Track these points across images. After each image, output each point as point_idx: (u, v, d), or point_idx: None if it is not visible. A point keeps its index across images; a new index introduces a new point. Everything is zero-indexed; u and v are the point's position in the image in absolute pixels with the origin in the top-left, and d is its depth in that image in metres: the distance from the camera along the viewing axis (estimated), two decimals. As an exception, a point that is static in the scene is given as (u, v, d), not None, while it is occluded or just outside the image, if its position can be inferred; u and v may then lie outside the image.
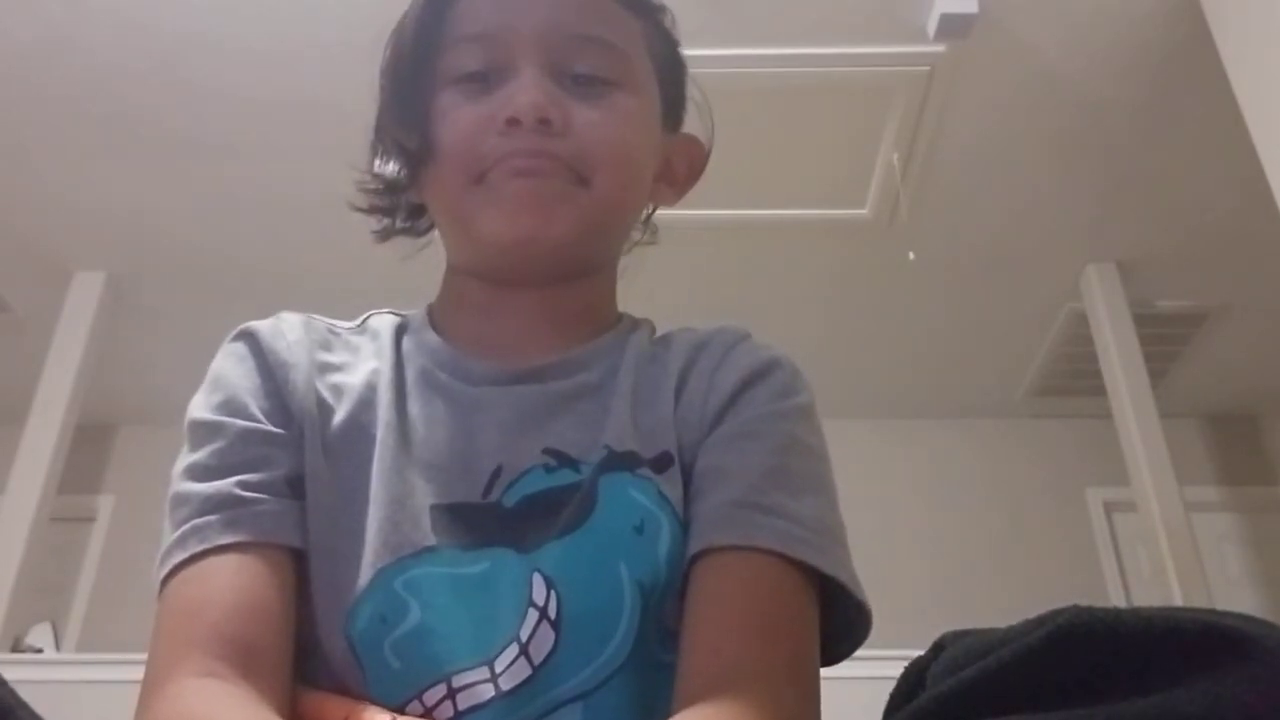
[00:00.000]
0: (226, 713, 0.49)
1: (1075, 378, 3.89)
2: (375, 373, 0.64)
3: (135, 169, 3.03)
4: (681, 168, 0.74)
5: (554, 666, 0.53)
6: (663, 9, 0.72)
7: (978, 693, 0.44)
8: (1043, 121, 2.90)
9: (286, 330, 0.65)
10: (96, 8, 2.57)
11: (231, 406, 0.60)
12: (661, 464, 0.60)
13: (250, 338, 0.65)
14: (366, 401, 0.62)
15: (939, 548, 3.87)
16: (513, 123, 0.61)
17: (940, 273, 3.46)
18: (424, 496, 0.58)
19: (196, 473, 0.58)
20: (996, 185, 3.13)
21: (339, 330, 0.68)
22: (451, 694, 0.53)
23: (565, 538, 0.56)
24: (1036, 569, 3.78)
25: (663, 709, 0.52)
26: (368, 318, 0.70)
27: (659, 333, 0.72)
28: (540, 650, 0.53)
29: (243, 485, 0.57)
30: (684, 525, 0.57)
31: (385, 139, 0.69)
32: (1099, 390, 3.41)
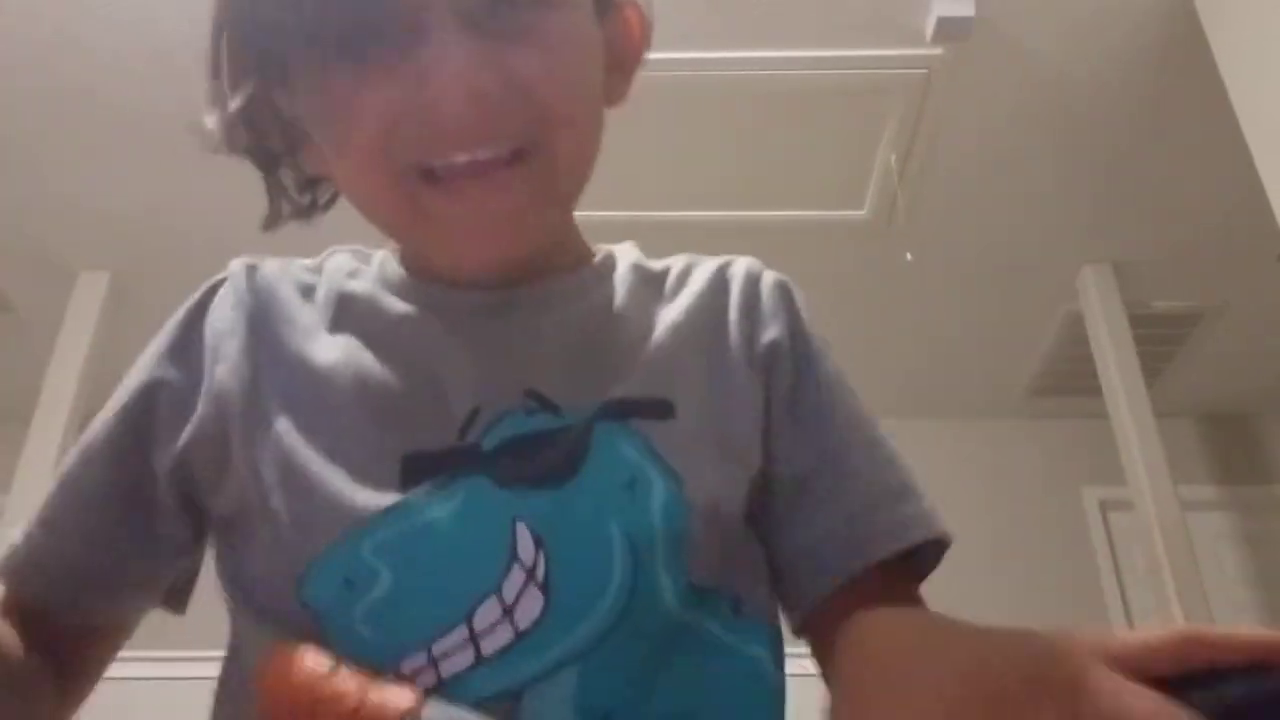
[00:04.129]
0: None
1: (1071, 378, 3.91)
2: (324, 312, 0.58)
3: (139, 169, 3.04)
4: (627, 47, 0.60)
5: (543, 629, 0.48)
6: None
7: None
8: (1039, 124, 2.92)
9: (227, 299, 0.60)
10: (97, 7, 2.59)
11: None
12: (660, 412, 0.54)
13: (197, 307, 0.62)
14: (306, 350, 0.56)
15: (936, 546, 3.88)
16: (435, 109, 0.48)
17: (937, 274, 3.48)
18: (393, 443, 0.51)
19: None
20: (993, 187, 3.15)
21: (297, 275, 0.62)
22: (433, 662, 0.48)
23: (554, 491, 0.50)
24: (1032, 567, 3.80)
25: (672, 668, 0.50)
26: (328, 256, 0.64)
27: (645, 261, 0.64)
28: (528, 615, 0.48)
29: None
30: (679, 478, 0.52)
31: (250, 78, 0.53)
32: (1095, 390, 3.43)
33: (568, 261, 0.60)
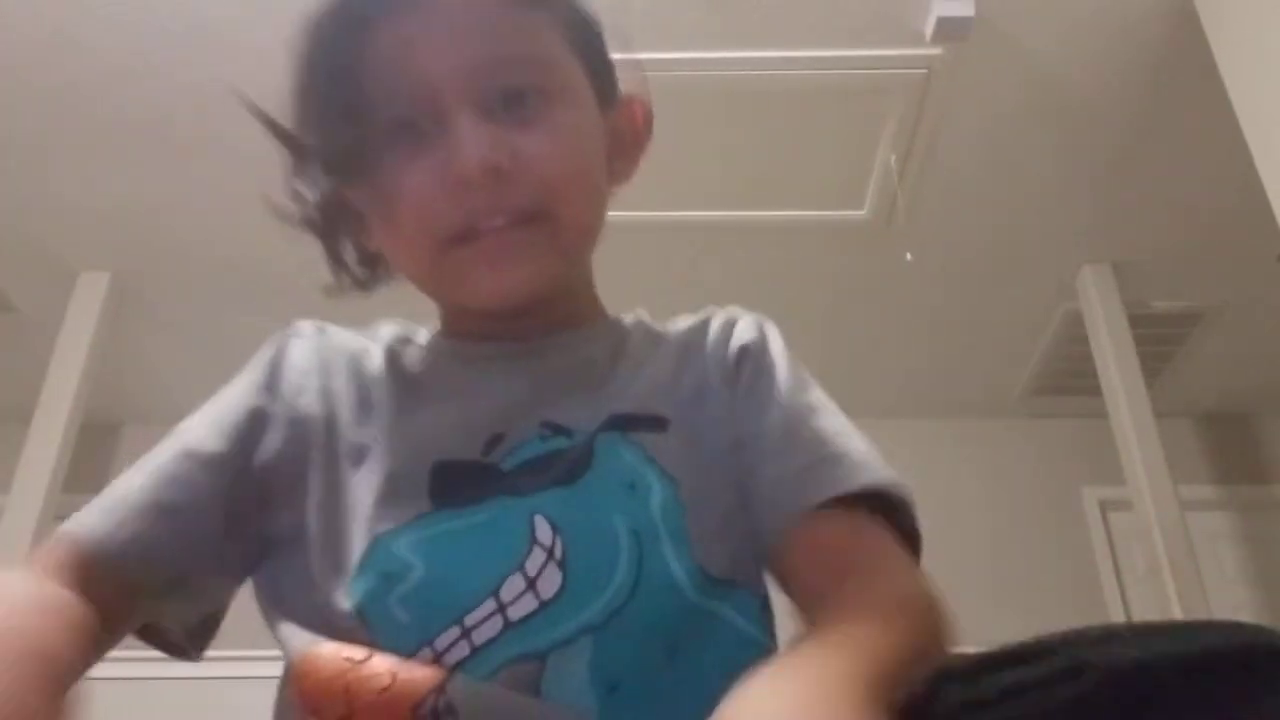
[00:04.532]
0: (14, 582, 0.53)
1: (1071, 377, 3.91)
2: (376, 365, 0.68)
3: (140, 170, 3.04)
4: (630, 133, 0.73)
5: (563, 601, 0.55)
6: None
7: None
8: (1039, 123, 2.93)
9: (299, 349, 0.70)
10: (98, 7, 2.59)
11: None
12: (655, 425, 0.63)
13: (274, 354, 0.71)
14: (365, 392, 0.66)
15: (934, 547, 3.83)
16: (463, 184, 0.60)
17: (937, 273, 3.48)
18: (424, 458, 0.60)
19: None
20: (993, 187, 3.15)
21: (355, 337, 0.72)
22: (466, 633, 0.55)
23: (563, 488, 0.59)
24: (1032, 567, 3.80)
25: (687, 649, 0.55)
26: (378, 325, 0.73)
27: (650, 322, 0.75)
28: (549, 587, 0.55)
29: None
30: (675, 480, 0.60)
31: (319, 173, 0.67)
32: (1094, 390, 3.43)
33: (583, 319, 0.71)
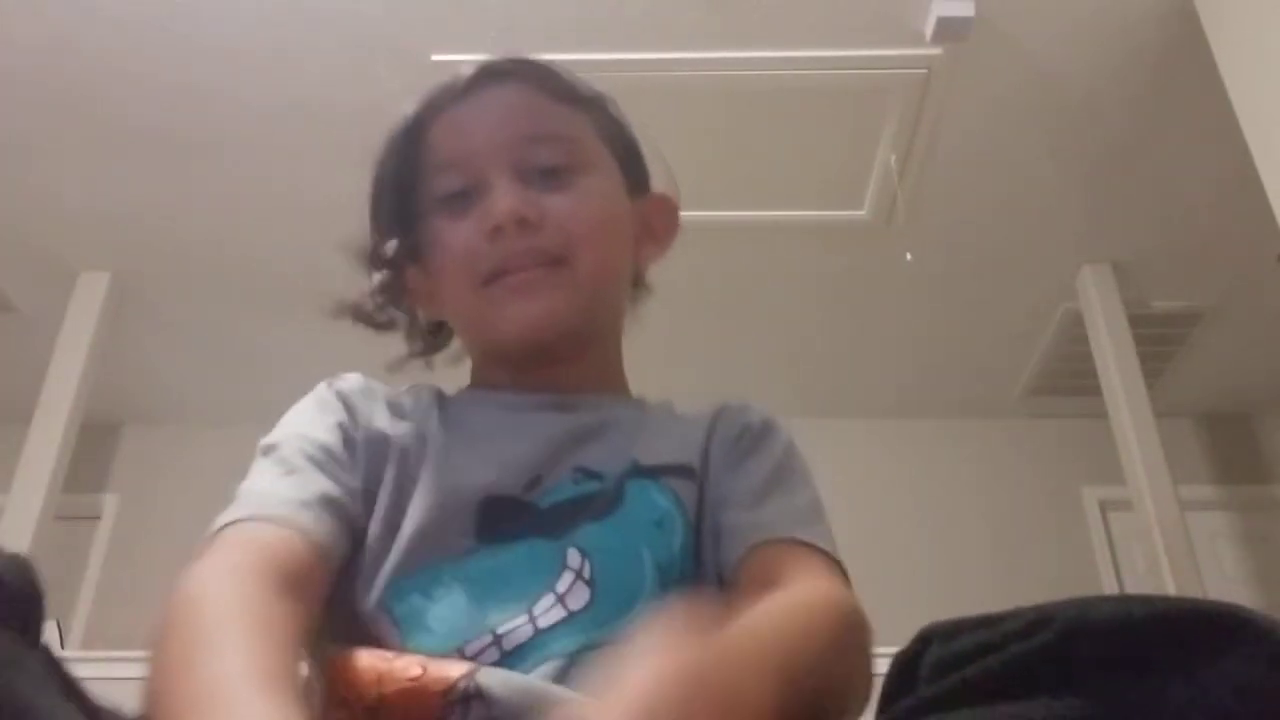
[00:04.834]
0: (231, 591, 0.54)
1: (1071, 377, 3.91)
2: (425, 411, 0.75)
3: (140, 169, 3.04)
4: (659, 224, 0.84)
5: (591, 613, 0.61)
6: (604, 98, 0.83)
7: (981, 688, 0.48)
8: (1039, 123, 2.93)
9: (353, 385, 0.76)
10: (98, 7, 2.59)
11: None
12: (684, 473, 0.71)
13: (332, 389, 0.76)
14: (419, 428, 0.73)
15: (935, 547, 3.88)
16: (498, 231, 0.72)
17: (937, 273, 3.48)
18: (472, 492, 0.67)
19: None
20: (993, 186, 3.15)
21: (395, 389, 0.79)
22: (497, 640, 0.60)
23: (596, 523, 0.66)
24: (1032, 568, 3.80)
25: None
26: (413, 385, 0.80)
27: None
28: (578, 601, 0.62)
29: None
30: (694, 527, 0.68)
31: (384, 263, 0.78)
32: (1094, 390, 3.43)
33: (612, 389, 0.80)
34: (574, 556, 0.64)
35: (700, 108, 2.84)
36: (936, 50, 2.67)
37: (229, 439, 4.10)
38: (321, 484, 0.65)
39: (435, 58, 2.66)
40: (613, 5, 2.59)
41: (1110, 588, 3.89)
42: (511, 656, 0.59)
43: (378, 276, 0.79)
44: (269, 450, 0.68)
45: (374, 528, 0.66)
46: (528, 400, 0.75)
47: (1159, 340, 3.73)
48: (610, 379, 0.81)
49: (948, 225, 3.29)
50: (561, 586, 0.62)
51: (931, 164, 3.03)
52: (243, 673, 0.48)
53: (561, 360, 0.75)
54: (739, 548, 0.67)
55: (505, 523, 0.66)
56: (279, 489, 0.64)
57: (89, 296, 3.37)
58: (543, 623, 0.60)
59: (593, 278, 0.74)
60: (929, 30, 2.59)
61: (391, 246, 0.77)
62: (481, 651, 0.59)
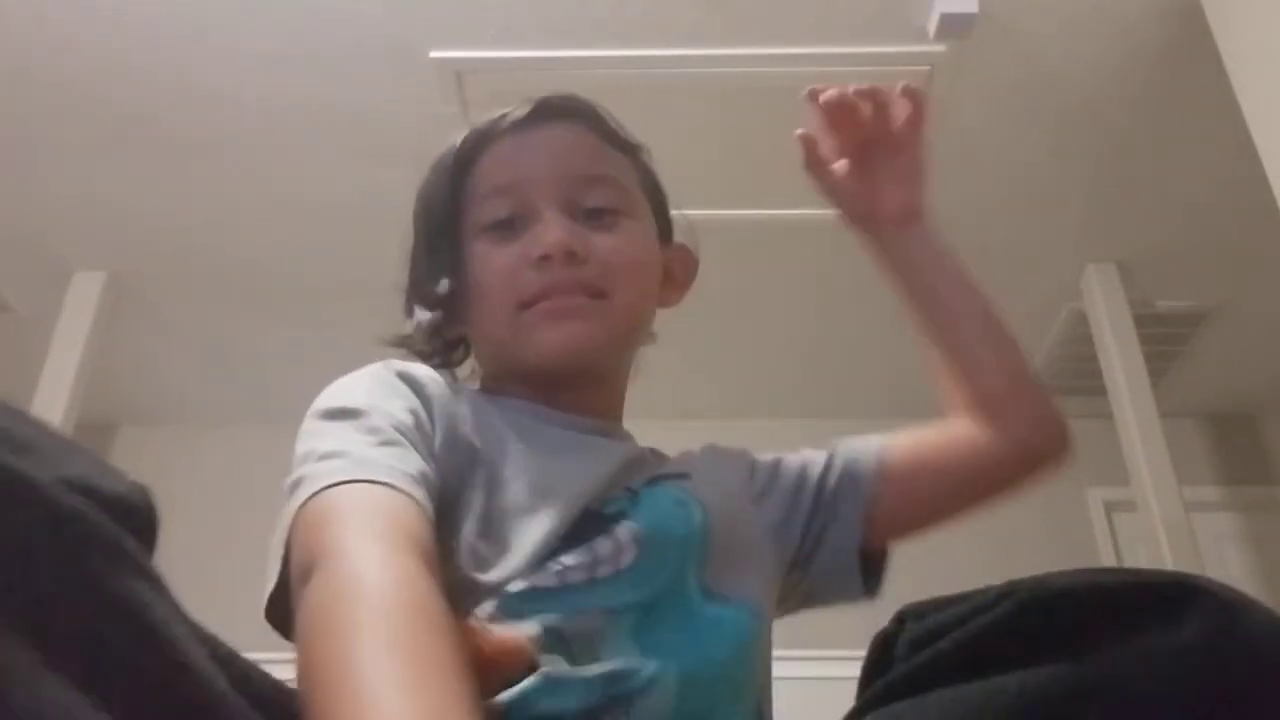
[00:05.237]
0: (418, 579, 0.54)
1: (1075, 377, 3.89)
2: (482, 412, 0.77)
3: (136, 169, 3.03)
4: (680, 272, 0.92)
5: (630, 573, 0.68)
6: (642, 147, 0.89)
7: (949, 662, 0.53)
8: (1042, 121, 2.91)
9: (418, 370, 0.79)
10: (98, 7, 2.58)
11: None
12: (682, 479, 0.79)
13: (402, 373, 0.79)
14: (496, 433, 0.76)
15: (937, 548, 3.86)
16: (545, 259, 0.77)
17: (940, 272, 3.46)
18: (574, 503, 0.72)
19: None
20: (996, 184, 3.13)
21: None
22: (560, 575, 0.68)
23: (635, 503, 0.74)
24: (1037, 569, 3.73)
25: (702, 646, 0.68)
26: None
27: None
28: (624, 560, 0.69)
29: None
30: (707, 510, 0.75)
31: (426, 289, 0.82)
32: (1099, 390, 3.41)
33: (618, 421, 0.86)
34: (624, 527, 0.71)
35: (700, 105, 2.82)
36: (939, 47, 2.65)
37: (226, 439, 4.13)
38: (419, 462, 0.66)
39: (434, 55, 2.65)
40: (613, 3, 2.58)
41: (1114, 589, 3.87)
42: (569, 591, 0.67)
43: (429, 315, 0.82)
44: (350, 414, 0.67)
45: (470, 526, 0.68)
46: (576, 422, 0.79)
47: (1164, 340, 3.72)
48: (616, 410, 0.86)
49: (950, 224, 3.24)
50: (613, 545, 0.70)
51: (933, 162, 3.01)
52: (412, 671, 0.47)
53: (580, 388, 0.80)
54: (866, 472, 0.83)
55: (590, 533, 0.70)
56: (383, 457, 0.63)
57: (85, 296, 3.35)
58: (600, 573, 0.68)
59: (626, 314, 0.80)
60: (932, 27, 2.57)
61: (445, 286, 0.80)
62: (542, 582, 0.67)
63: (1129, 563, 3.92)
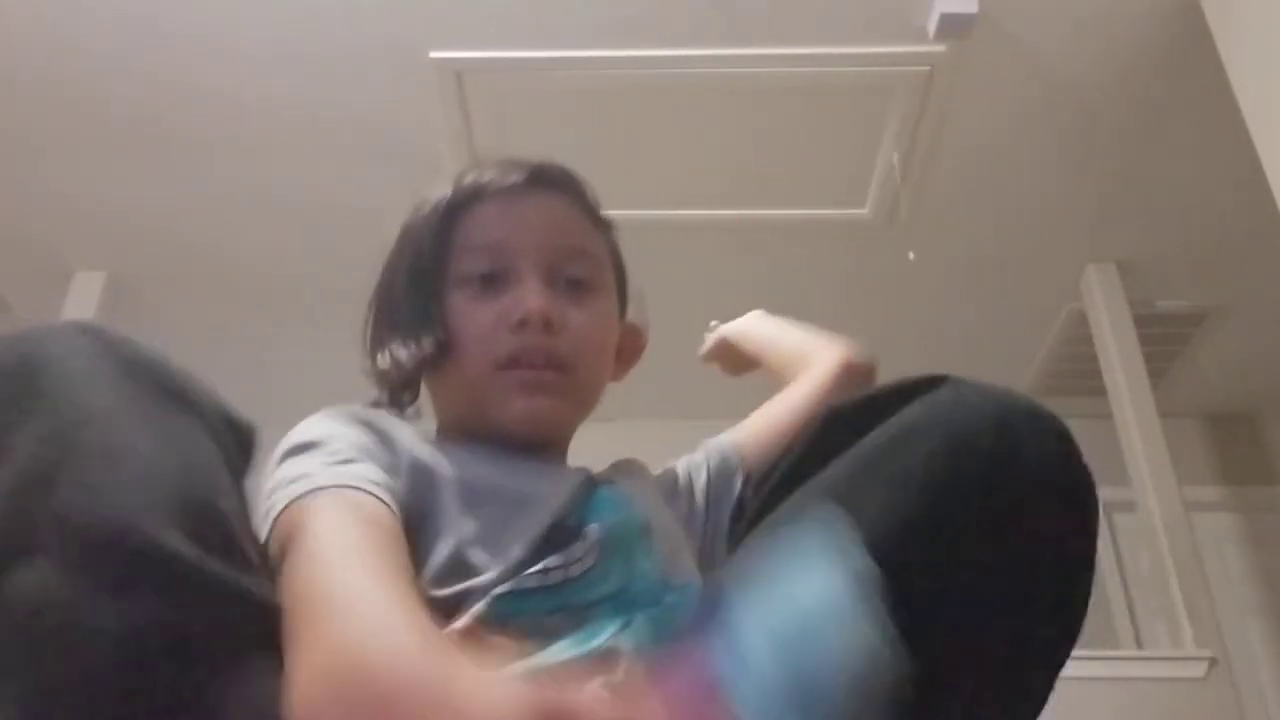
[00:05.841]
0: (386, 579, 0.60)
1: (1075, 378, 3.89)
2: (440, 445, 0.81)
3: (136, 169, 3.03)
4: (628, 349, 0.95)
5: (601, 566, 0.72)
6: (614, 225, 0.93)
7: (795, 471, 0.70)
8: (1043, 121, 2.91)
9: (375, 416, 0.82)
10: (98, 7, 2.58)
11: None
12: (613, 484, 0.84)
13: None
14: (461, 459, 0.78)
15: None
16: (523, 324, 0.80)
17: (940, 273, 3.46)
18: (536, 524, 0.75)
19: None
20: (997, 185, 3.13)
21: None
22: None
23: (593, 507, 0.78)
24: (1036, 569, 3.77)
25: (672, 623, 0.71)
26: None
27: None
28: (595, 555, 0.73)
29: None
30: (641, 512, 0.80)
31: (408, 335, 0.84)
32: (1099, 390, 3.41)
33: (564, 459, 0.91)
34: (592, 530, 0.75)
35: (700, 105, 2.82)
36: (940, 47, 2.65)
37: (227, 440, 4.12)
38: (383, 475, 0.70)
39: (434, 55, 2.65)
40: (613, 3, 2.57)
41: (1115, 590, 3.87)
42: (546, 590, 0.70)
43: (410, 363, 0.84)
44: (311, 446, 0.71)
45: (447, 539, 0.71)
46: (532, 459, 0.83)
47: (1164, 340, 3.72)
48: (564, 457, 0.91)
49: (950, 224, 3.27)
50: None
51: (934, 163, 3.01)
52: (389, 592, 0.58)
53: (537, 447, 0.84)
54: (732, 467, 0.94)
55: (562, 537, 0.74)
56: (348, 470, 0.68)
57: (84, 296, 3.35)
58: (574, 571, 0.71)
59: (587, 389, 0.86)
60: (932, 27, 2.57)
61: (430, 345, 0.82)
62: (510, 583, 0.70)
63: (1129, 563, 3.92)
